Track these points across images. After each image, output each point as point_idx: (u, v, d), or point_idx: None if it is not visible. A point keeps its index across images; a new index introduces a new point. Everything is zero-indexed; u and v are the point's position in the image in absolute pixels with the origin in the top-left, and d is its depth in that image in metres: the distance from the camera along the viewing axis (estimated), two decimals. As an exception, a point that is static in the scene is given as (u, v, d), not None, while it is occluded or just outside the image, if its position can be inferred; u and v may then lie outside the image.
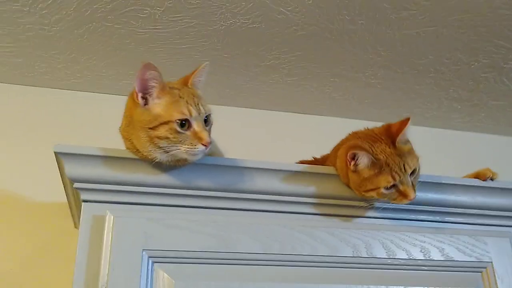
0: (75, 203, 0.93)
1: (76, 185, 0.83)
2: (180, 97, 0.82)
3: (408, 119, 0.88)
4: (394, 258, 0.94)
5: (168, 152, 0.80)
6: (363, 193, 0.91)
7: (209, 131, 0.83)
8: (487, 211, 1.03)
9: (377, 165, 0.88)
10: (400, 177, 0.87)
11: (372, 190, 0.89)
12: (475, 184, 1.02)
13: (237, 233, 0.87)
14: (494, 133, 1.83)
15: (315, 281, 0.88)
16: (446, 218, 1.01)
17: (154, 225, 0.83)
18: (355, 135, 0.96)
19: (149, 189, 0.86)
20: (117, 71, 1.37)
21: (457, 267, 0.97)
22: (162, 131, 0.79)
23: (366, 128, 0.97)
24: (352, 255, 0.91)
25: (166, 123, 0.79)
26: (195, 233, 0.84)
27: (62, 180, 0.91)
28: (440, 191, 1.00)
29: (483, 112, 1.68)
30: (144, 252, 0.81)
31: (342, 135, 1.52)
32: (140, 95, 0.81)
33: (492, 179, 1.04)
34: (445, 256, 0.97)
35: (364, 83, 1.48)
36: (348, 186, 0.94)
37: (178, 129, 0.79)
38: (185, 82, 0.86)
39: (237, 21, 1.18)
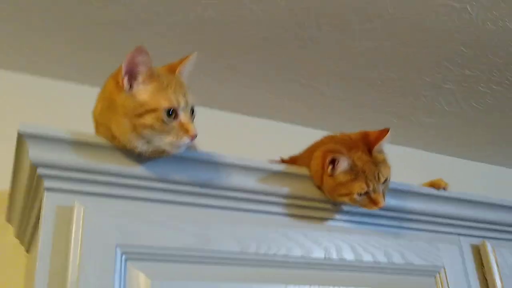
0: (28, 193, 0.82)
1: (40, 170, 0.73)
2: (168, 85, 0.76)
3: (387, 130, 0.91)
4: (361, 261, 0.95)
5: (149, 143, 0.75)
6: (335, 197, 0.91)
7: None
8: (440, 218, 1.09)
9: (353, 171, 0.89)
10: (373, 185, 0.89)
11: (345, 195, 0.90)
12: (432, 193, 1.07)
13: (216, 231, 0.82)
14: (426, 150, 1.96)
15: (289, 281, 0.86)
16: (404, 224, 1.05)
17: (129, 219, 0.76)
18: (331, 139, 0.96)
19: (123, 180, 0.78)
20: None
21: (415, 270, 1.01)
22: (148, 119, 0.73)
23: (341, 133, 0.98)
24: (323, 257, 0.91)
25: (153, 110, 0.74)
26: (172, 230, 0.79)
27: (15, 165, 0.81)
28: (400, 198, 1.04)
29: (417, 128, 1.79)
30: (117, 249, 0.73)
31: (288, 141, 1.54)
32: (126, 79, 0.74)
33: (444, 189, 1.11)
34: (405, 259, 1.00)
35: (316, 90, 1.51)
36: (320, 188, 0.94)
37: (165, 118, 0.74)
38: (172, 69, 0.81)
39: (205, 13, 1.14)
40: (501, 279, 1.10)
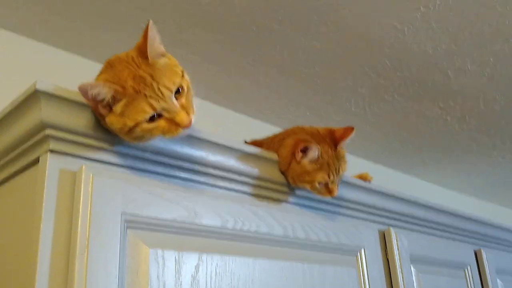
0: (13, 149, 0.77)
1: (48, 131, 0.71)
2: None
3: (352, 128, 1.03)
4: (309, 239, 1.08)
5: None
6: (297, 183, 1.02)
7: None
8: (363, 206, 1.27)
9: (319, 162, 1.00)
10: (333, 177, 1.01)
11: (308, 182, 1.01)
12: (361, 184, 1.25)
13: (202, 206, 0.87)
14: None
15: (257, 255, 0.95)
16: (339, 209, 1.21)
17: (133, 189, 0.77)
18: (302, 130, 1.06)
19: (128, 150, 0.79)
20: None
21: (345, 250, 1.17)
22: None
23: (310, 126, 1.08)
24: (282, 235, 1.02)
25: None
26: (169, 202, 0.82)
27: (7, 118, 0.75)
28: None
29: (324, 123, 1.98)
30: (122, 216, 0.75)
31: (212, 122, 1.61)
32: None
33: (369, 182, 1.29)
34: (339, 240, 1.15)
35: (252, 77, 1.59)
36: (284, 173, 1.04)
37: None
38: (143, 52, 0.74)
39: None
40: (400, 260, 1.33)
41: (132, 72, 0.71)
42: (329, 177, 1.01)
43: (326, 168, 1.00)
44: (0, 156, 0.80)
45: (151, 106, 0.70)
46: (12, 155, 0.77)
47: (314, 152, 0.99)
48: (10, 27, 1.26)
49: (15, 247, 0.74)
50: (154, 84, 0.70)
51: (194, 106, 0.77)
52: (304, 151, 0.99)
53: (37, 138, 0.72)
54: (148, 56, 0.72)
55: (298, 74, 1.59)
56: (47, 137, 0.71)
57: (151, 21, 0.73)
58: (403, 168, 2.58)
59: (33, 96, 0.69)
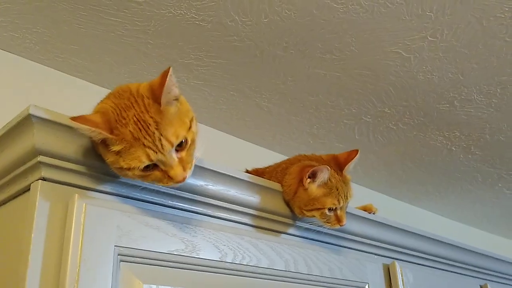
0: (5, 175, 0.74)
1: (40, 158, 0.67)
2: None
3: (356, 151, 1.00)
4: (311, 274, 1.03)
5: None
6: (304, 212, 0.97)
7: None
8: (367, 239, 1.23)
9: (328, 187, 0.96)
10: (342, 203, 0.97)
11: (317, 209, 0.96)
12: (366, 216, 1.20)
13: (200, 238, 0.83)
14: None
15: (257, 291, 0.91)
16: (342, 242, 1.16)
17: (128, 220, 0.73)
18: (305, 157, 1.03)
19: (125, 179, 0.75)
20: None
21: (349, 286, 1.12)
22: None
23: (313, 154, 1.05)
24: (284, 269, 0.97)
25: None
26: (165, 234, 0.78)
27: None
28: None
29: (326, 151, 1.95)
30: (115, 249, 0.71)
31: (212, 146, 1.58)
32: None
33: (374, 213, 1.25)
34: (343, 275, 1.11)
35: (255, 103, 1.57)
36: (289, 202, 1.00)
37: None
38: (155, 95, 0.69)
39: (188, 13, 1.13)
40: (405, 295, 1.27)
41: (137, 114, 0.67)
42: (339, 203, 0.96)
43: (335, 193, 0.96)
44: (-10, 182, 0.76)
45: (148, 156, 0.66)
46: (3, 181, 0.74)
47: (324, 174, 0.95)
48: (8, 48, 1.25)
49: (2, 276, 0.69)
50: (156, 134, 0.66)
51: (194, 161, 0.73)
52: (312, 176, 0.95)
53: (29, 165, 0.69)
54: (161, 102, 0.68)
55: (301, 101, 1.56)
56: (39, 164, 0.67)
57: (171, 69, 0.68)
58: (406, 198, 2.53)
59: (26, 121, 0.66)
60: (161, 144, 0.66)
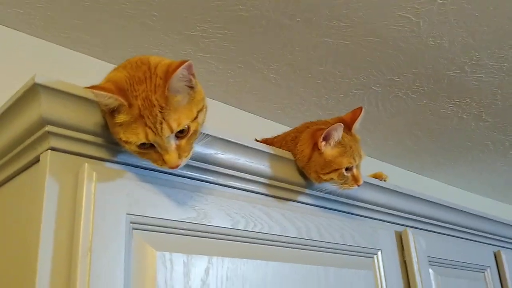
0: (12, 148, 0.74)
1: (48, 128, 0.67)
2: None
3: (361, 109, 0.99)
4: (324, 241, 1.03)
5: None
6: (321, 176, 0.96)
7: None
8: (379, 207, 1.22)
9: (342, 146, 0.95)
10: (358, 160, 0.97)
11: (334, 170, 0.95)
12: (377, 184, 1.20)
13: (212, 206, 0.83)
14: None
15: (270, 258, 0.91)
16: (354, 210, 1.16)
17: (138, 189, 0.73)
18: (312, 123, 1.02)
19: (133, 147, 0.75)
20: None
21: (361, 252, 1.12)
22: None
23: (319, 120, 1.04)
24: (296, 236, 0.97)
25: None
26: (176, 202, 0.78)
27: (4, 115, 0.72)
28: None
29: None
30: (127, 217, 0.71)
31: (220, 119, 1.57)
32: None
33: (384, 181, 1.24)
34: (355, 242, 1.11)
35: (262, 75, 1.55)
36: (303, 169, 0.99)
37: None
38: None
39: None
40: (417, 262, 1.27)
41: (146, 92, 0.66)
42: (355, 161, 0.96)
43: (350, 151, 0.95)
44: (0, 155, 0.76)
45: (146, 135, 0.66)
46: (12, 154, 0.74)
47: (338, 132, 0.94)
48: (13, 25, 1.24)
49: (15, 250, 0.70)
50: (159, 117, 0.65)
51: (192, 150, 0.72)
52: (326, 138, 0.94)
53: (37, 136, 0.68)
54: (168, 88, 0.66)
55: (309, 71, 1.54)
56: (48, 134, 0.67)
57: (189, 62, 0.67)
58: (417, 169, 2.52)
59: (32, 90, 0.65)
60: (161, 127, 0.66)
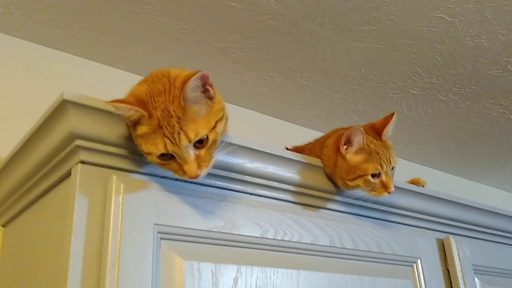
0: (44, 164, 0.77)
1: (78, 142, 0.70)
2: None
3: (393, 114, 0.97)
4: (358, 249, 1.01)
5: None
6: (348, 182, 0.94)
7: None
8: (417, 213, 1.18)
9: (367, 152, 0.93)
10: (386, 167, 0.94)
11: (359, 177, 0.93)
12: (414, 190, 1.16)
13: (240, 215, 0.83)
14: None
15: (300, 267, 0.90)
16: (391, 217, 1.13)
17: (165, 199, 0.75)
18: (342, 129, 1.01)
19: (159, 158, 0.76)
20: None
21: (398, 260, 1.09)
22: None
23: (350, 126, 1.02)
24: (328, 245, 0.95)
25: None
26: (204, 212, 0.78)
27: (34, 134, 0.75)
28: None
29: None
30: (154, 227, 0.72)
31: (256, 129, 1.57)
32: None
33: (423, 187, 1.20)
34: (392, 250, 1.08)
35: (295, 83, 1.55)
36: (330, 178, 0.98)
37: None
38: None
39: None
40: (462, 270, 1.22)
41: (165, 103, 0.68)
42: (381, 167, 0.93)
43: (376, 158, 0.93)
44: (34, 172, 0.80)
45: (165, 146, 0.67)
46: (46, 169, 0.77)
47: (358, 137, 0.92)
48: (52, 44, 1.30)
49: (47, 260, 0.73)
50: (176, 127, 0.67)
51: (212, 160, 0.73)
52: (347, 142, 0.93)
53: (68, 150, 0.71)
54: (183, 98, 0.68)
55: (343, 77, 1.52)
56: (77, 148, 0.70)
57: (202, 72, 0.68)
58: (464, 173, 2.42)
59: (61, 107, 0.68)
60: (179, 138, 0.67)
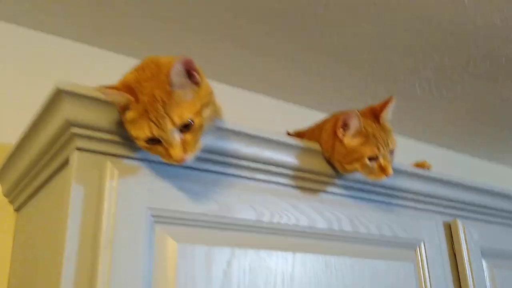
0: (46, 151, 0.81)
1: (74, 129, 0.72)
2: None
3: (391, 98, 0.96)
4: (358, 232, 1.02)
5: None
6: (345, 166, 0.95)
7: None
8: (421, 196, 1.18)
9: (364, 135, 0.93)
10: (383, 150, 0.94)
11: (356, 160, 0.94)
12: (419, 173, 1.16)
13: (235, 199, 0.85)
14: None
15: (297, 249, 0.91)
16: (393, 200, 1.13)
17: (160, 184, 0.77)
18: (340, 113, 1.01)
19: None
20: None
21: (400, 243, 1.09)
22: None
23: (349, 109, 1.02)
24: (327, 228, 0.97)
25: None
26: (198, 196, 0.81)
27: (35, 122, 0.79)
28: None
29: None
30: (148, 211, 0.75)
31: (262, 113, 1.57)
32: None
33: (428, 169, 1.19)
34: (393, 232, 1.08)
35: (303, 66, 1.54)
36: (329, 161, 0.98)
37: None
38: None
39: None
40: (468, 254, 1.21)
41: (152, 88, 0.70)
42: (378, 150, 0.93)
43: (373, 141, 0.93)
44: (38, 158, 0.84)
45: (150, 130, 0.70)
46: (48, 156, 0.81)
47: (354, 120, 0.92)
48: (60, 33, 1.33)
49: (45, 245, 0.77)
50: (161, 112, 0.69)
51: (199, 145, 0.74)
52: (344, 126, 0.93)
53: (65, 138, 0.74)
54: (167, 83, 0.70)
55: (353, 60, 1.51)
56: (73, 135, 0.73)
57: (189, 57, 0.70)
58: (482, 155, 2.38)
59: (56, 96, 0.71)
60: (164, 122, 0.69)
